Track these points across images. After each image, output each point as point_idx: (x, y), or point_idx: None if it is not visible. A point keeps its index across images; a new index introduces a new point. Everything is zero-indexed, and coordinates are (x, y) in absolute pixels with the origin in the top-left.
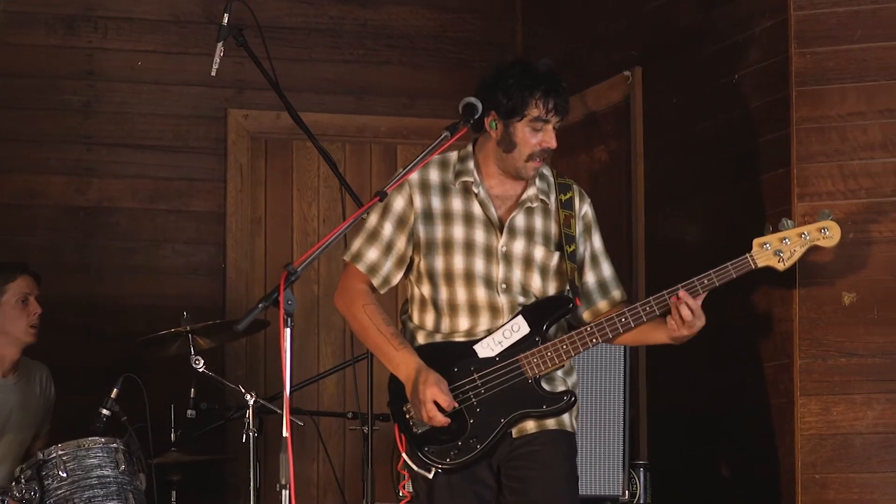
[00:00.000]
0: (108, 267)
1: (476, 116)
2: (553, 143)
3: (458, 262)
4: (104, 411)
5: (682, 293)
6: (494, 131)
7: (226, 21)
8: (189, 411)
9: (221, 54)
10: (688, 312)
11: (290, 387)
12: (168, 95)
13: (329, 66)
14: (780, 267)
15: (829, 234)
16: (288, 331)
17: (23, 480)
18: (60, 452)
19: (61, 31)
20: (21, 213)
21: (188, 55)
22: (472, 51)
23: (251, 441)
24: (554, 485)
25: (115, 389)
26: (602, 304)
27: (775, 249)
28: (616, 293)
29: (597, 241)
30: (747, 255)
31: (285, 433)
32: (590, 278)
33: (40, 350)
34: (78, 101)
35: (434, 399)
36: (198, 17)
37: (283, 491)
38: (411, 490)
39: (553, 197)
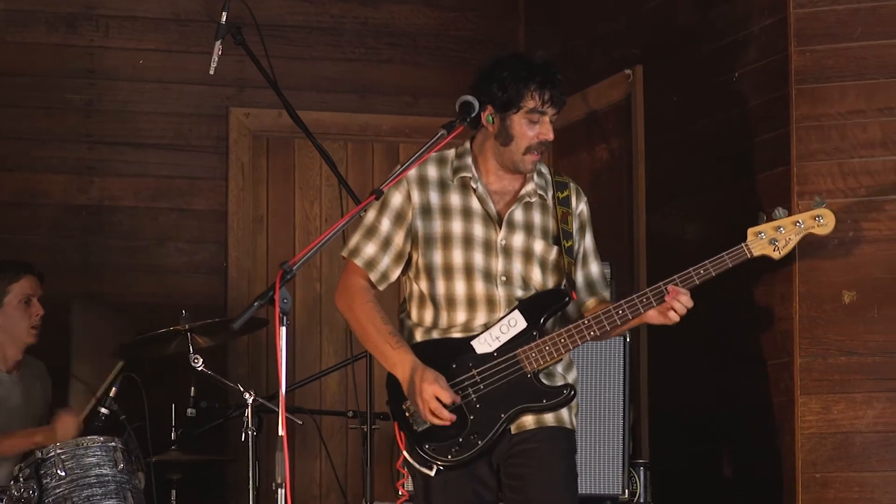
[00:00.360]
0: (110, 265)
1: (473, 115)
2: (550, 136)
3: (457, 255)
4: (103, 410)
5: (672, 287)
6: (491, 125)
7: (224, 19)
8: (189, 410)
9: (220, 53)
10: (685, 301)
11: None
12: (169, 94)
13: (330, 64)
14: (776, 255)
15: (823, 222)
16: (284, 329)
17: (21, 479)
18: (59, 451)
19: (63, 29)
20: (22, 212)
21: (189, 54)
22: (474, 49)
23: (250, 440)
24: (552, 482)
25: (113, 388)
26: (589, 303)
27: (770, 238)
28: (605, 293)
29: (589, 240)
30: (743, 244)
31: (281, 432)
32: (579, 276)
33: (41, 349)
34: (79, 99)
35: (435, 395)
36: (199, 16)
37: (280, 490)
38: (410, 489)
39: (551, 193)
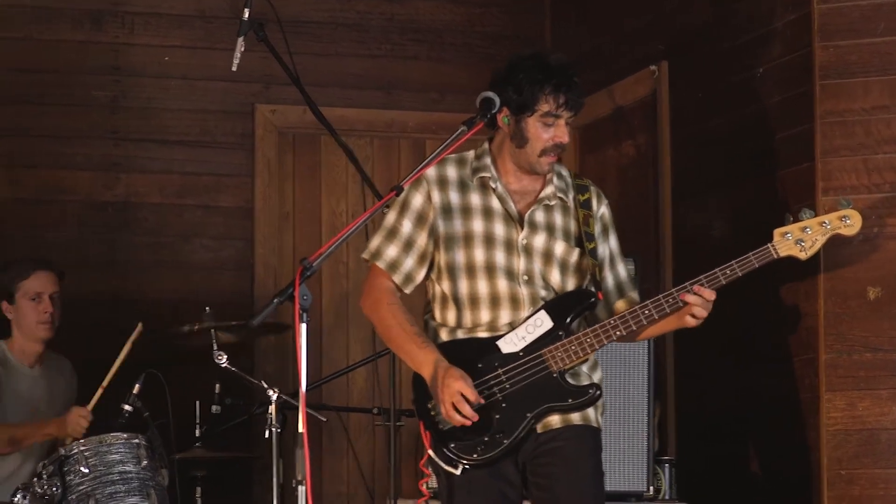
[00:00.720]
0: (136, 262)
1: (494, 111)
2: (565, 138)
3: (479, 254)
4: (126, 407)
5: (697, 287)
6: (507, 126)
7: (247, 16)
8: (214, 407)
9: (242, 49)
10: (704, 302)
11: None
12: (195, 90)
13: (356, 60)
14: (802, 256)
15: (850, 223)
16: (304, 326)
17: (45, 476)
18: (82, 448)
19: (88, 26)
20: (48, 209)
21: (215, 50)
22: (500, 46)
23: (273, 437)
24: (579, 481)
25: (136, 385)
26: (619, 304)
27: (797, 239)
28: (633, 294)
29: (613, 242)
30: (769, 244)
31: (301, 429)
32: (608, 279)
33: (66, 345)
34: (105, 96)
35: (460, 392)
36: (224, 12)
37: (300, 487)
38: (433, 487)
39: (571, 196)
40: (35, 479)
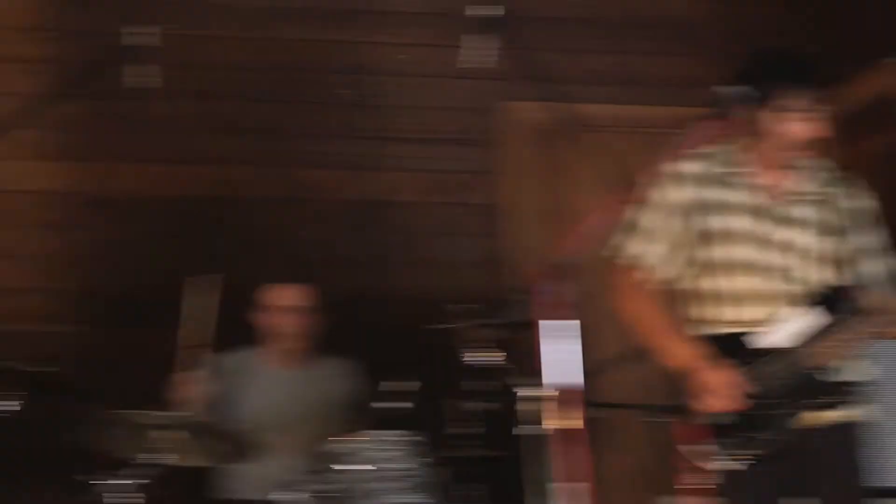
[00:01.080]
0: (387, 260)
1: (733, 106)
2: (816, 132)
3: (739, 252)
4: (400, 405)
5: None
6: (755, 122)
7: (489, 13)
8: (480, 405)
9: (486, 47)
10: None
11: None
12: (440, 88)
13: (598, 56)
14: None
15: None
16: (564, 323)
17: (317, 472)
18: (357, 445)
19: (333, 25)
20: (298, 207)
21: (459, 48)
22: (743, 40)
23: (534, 435)
24: (842, 478)
25: (407, 383)
26: (879, 301)
27: None
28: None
29: (875, 235)
30: None
31: (560, 426)
32: (867, 274)
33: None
34: (350, 94)
35: (727, 383)
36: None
37: (551, 484)
38: (699, 483)
39: (828, 189)
40: (307, 476)
